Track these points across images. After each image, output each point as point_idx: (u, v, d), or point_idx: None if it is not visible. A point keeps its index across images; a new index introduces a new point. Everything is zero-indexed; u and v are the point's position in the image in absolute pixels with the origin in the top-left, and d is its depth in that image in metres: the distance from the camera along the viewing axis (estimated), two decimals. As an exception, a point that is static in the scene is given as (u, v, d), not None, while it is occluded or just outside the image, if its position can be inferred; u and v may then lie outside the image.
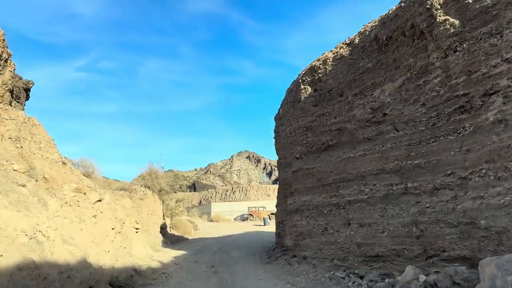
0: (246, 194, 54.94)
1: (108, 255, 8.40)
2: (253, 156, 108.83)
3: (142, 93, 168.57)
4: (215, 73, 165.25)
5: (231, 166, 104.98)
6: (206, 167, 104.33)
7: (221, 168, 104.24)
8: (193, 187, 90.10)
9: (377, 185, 9.49)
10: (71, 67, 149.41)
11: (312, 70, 12.26)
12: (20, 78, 31.89)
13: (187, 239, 26.54)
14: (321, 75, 11.84)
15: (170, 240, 23.58)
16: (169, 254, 15.99)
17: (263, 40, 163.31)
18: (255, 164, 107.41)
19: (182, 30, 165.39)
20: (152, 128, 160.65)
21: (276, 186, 57.94)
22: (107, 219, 9.15)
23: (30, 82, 33.13)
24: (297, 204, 12.39)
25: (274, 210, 41.49)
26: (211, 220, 41.94)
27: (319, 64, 11.92)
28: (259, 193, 53.98)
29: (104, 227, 8.79)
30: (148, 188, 20.78)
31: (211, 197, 58.11)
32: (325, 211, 10.99)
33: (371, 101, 10.00)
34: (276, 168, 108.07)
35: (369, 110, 10.03)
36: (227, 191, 58.97)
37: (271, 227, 32.00)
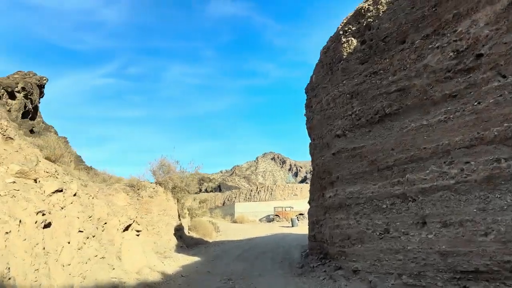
0: (271, 194, 51.83)
1: (66, 271, 5.54)
2: (278, 157, 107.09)
3: (166, 97, 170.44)
4: (238, 75, 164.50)
5: (256, 168, 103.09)
6: (231, 169, 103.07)
7: (246, 170, 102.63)
8: (218, 189, 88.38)
9: (472, 163, 6.20)
10: (98, 74, 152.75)
11: (358, 15, 9.06)
12: (34, 74, 30.02)
13: (206, 242, 23.77)
14: (371, 20, 8.63)
15: (187, 243, 20.88)
16: (179, 262, 13.14)
17: (284, 41, 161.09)
18: (280, 165, 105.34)
19: (205, 34, 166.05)
20: (177, 131, 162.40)
21: (304, 186, 54.52)
22: (72, 218, 6.32)
23: (44, 78, 31.17)
24: (340, 197, 9.20)
25: (302, 210, 38.10)
26: (235, 221, 39.12)
27: (368, 5, 8.72)
28: (286, 193, 50.73)
29: (64, 228, 5.97)
30: (160, 184, 18.11)
31: (235, 197, 55.39)
32: (384, 206, 7.75)
33: (455, 41, 6.72)
34: (301, 169, 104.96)
35: (451, 54, 6.75)
36: (251, 191, 56.06)
37: (300, 228, 28.75)
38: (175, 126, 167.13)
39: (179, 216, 20.29)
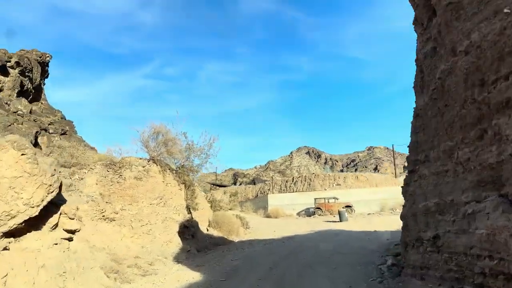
0: (310, 184, 45.37)
1: None
2: (312, 151, 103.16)
3: (202, 95, 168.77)
4: (272, 71, 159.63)
5: (290, 163, 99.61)
6: (265, 164, 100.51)
7: (280, 165, 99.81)
8: (253, 183, 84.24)
9: None
10: (137, 75, 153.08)
11: None
12: (37, 51, 25.49)
13: (230, 242, 18.05)
14: None
15: (201, 245, 15.26)
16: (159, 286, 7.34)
17: (318, 34, 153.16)
18: (315, 160, 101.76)
19: (238, 31, 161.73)
20: (214, 128, 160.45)
21: (347, 174, 47.61)
22: None
23: (47, 55, 26.41)
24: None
25: (350, 201, 31.44)
26: (268, 216, 33.20)
27: None
28: (326, 183, 44.08)
29: None
30: (154, 162, 12.46)
31: (268, 189, 49.47)
32: None
33: None
34: (337, 162, 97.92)
35: None
36: (286, 181, 49.89)
37: (351, 224, 22.25)
38: (212, 123, 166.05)
39: (188, 208, 14.60)
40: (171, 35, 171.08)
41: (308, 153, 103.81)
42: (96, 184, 10.60)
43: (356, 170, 79.82)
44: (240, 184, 79.49)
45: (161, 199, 11.87)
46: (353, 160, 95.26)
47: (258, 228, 24.69)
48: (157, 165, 12.23)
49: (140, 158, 12.05)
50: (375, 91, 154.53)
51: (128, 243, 10.08)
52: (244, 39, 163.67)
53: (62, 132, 21.10)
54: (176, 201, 13.13)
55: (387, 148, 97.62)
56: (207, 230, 19.01)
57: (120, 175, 11.16)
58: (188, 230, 14.90)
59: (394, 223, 19.41)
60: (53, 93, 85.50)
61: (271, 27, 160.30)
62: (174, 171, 13.66)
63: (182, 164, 14.12)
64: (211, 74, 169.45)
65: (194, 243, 15.18)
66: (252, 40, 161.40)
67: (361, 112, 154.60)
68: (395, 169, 47.84)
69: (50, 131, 19.76)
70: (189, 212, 14.82)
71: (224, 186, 65.67)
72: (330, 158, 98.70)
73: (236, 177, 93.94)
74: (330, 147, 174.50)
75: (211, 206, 24.15)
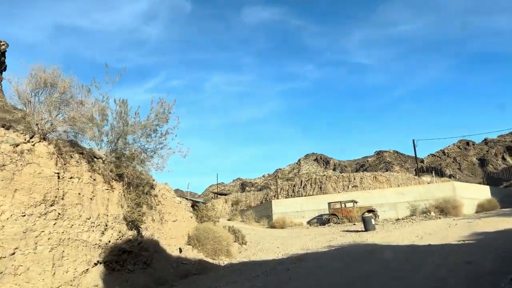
0: (321, 188, 39.50)
1: None
2: (321, 158, 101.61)
3: (208, 107, 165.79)
4: (277, 80, 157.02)
5: (299, 170, 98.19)
6: (273, 173, 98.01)
7: (289, 173, 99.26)
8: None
9: None
10: (143, 89, 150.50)
11: None
12: None
13: (214, 267, 12.58)
14: None
15: (160, 278, 9.74)
16: None
17: (322, 42, 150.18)
18: (324, 166, 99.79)
19: (242, 42, 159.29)
20: (221, 139, 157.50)
21: (364, 174, 41.54)
22: None
23: (2, 43, 21.83)
24: None
25: (371, 205, 25.27)
26: (273, 226, 27.33)
27: None
28: (340, 185, 38.18)
29: None
30: (44, 139, 6.87)
31: (273, 195, 43.65)
32: None
33: None
34: (346, 168, 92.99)
35: None
36: (294, 186, 44.04)
37: (382, 234, 16.00)
38: (219, 134, 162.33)
39: (127, 220, 8.88)
40: (176, 48, 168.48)
41: (316, 160, 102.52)
42: None
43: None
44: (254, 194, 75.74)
45: (52, 205, 6.27)
46: (362, 165, 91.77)
47: (259, 243, 19.01)
48: (48, 143, 6.66)
49: (7, 129, 6.47)
50: (380, 96, 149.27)
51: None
52: (249, 50, 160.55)
53: None
54: (98, 208, 7.54)
55: (397, 152, 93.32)
56: (181, 251, 13.34)
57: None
58: (133, 256, 9.26)
59: (446, 233, 13.60)
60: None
61: (275, 36, 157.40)
62: (94, 159, 8.08)
63: (115, 148, 8.54)
64: (217, 86, 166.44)
65: (146, 276, 9.53)
66: (257, 50, 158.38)
67: (367, 116, 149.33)
68: (417, 166, 41.77)
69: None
70: (134, 227, 9.15)
71: (225, 194, 59.97)
72: (339, 164, 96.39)
73: (244, 187, 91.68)
74: (338, 153, 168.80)
75: (197, 217, 18.53)
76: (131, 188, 9.10)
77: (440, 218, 21.31)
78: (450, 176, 61.45)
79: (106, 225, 8.10)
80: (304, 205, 29.39)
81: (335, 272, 8.36)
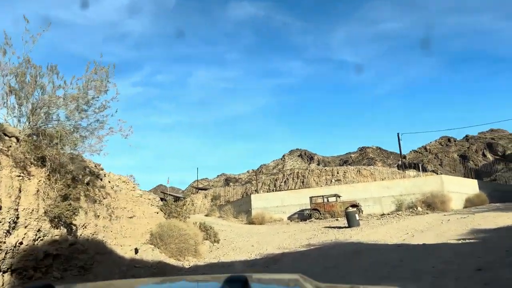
0: (303, 182, 38.02)
1: None
2: (305, 153, 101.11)
3: (194, 102, 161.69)
4: (263, 75, 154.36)
5: (283, 166, 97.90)
6: (258, 169, 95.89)
7: (273, 168, 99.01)
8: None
9: None
10: (128, 83, 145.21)
11: None
12: None
13: (175, 270, 10.76)
14: None
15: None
16: None
17: (308, 38, 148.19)
18: (308, 162, 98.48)
19: (228, 38, 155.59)
20: (207, 135, 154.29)
21: (347, 168, 40.19)
22: None
23: None
24: None
25: (354, 199, 23.11)
26: (252, 222, 25.59)
27: None
28: (323, 179, 36.76)
29: None
30: None
31: (255, 190, 41.96)
32: None
33: None
34: (330, 163, 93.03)
35: None
36: (276, 180, 42.48)
37: (368, 231, 14.30)
38: (205, 130, 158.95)
39: (49, 216, 6.93)
40: (160, 42, 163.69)
41: (300, 155, 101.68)
42: None
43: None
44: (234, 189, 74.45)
45: None
46: (345, 161, 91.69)
47: (233, 241, 17.26)
48: None
49: None
50: (364, 93, 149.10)
51: None
52: (235, 45, 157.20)
53: None
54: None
55: (380, 148, 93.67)
56: (136, 252, 11.44)
57: None
58: (63, 261, 7.33)
59: (440, 230, 12.09)
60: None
61: (261, 32, 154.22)
62: (5, 136, 6.10)
63: (34, 124, 6.58)
64: (203, 81, 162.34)
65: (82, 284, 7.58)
66: (243, 45, 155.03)
67: (351, 113, 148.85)
68: (401, 160, 40.77)
69: None
70: (63, 225, 7.20)
71: (205, 189, 57.93)
72: (323, 160, 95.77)
73: (228, 182, 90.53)
74: (322, 149, 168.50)
75: (165, 213, 16.64)
76: (57, 175, 7.12)
77: (427, 213, 19.99)
78: (432, 172, 61.16)
79: (15, 222, 6.15)
80: (285, 200, 27.75)
81: (310, 270, 6.67)
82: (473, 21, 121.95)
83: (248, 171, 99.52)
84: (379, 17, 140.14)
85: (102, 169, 10.65)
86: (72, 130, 7.36)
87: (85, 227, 8.65)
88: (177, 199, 50.39)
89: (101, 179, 10.15)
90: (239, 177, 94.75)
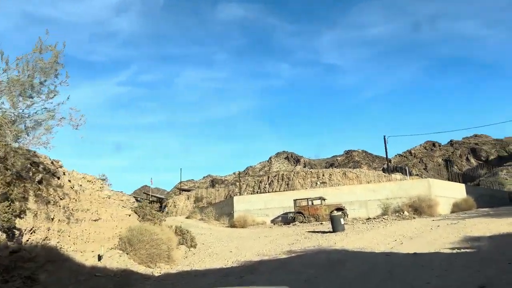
0: (288, 184, 37.21)
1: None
2: (291, 156, 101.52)
3: (181, 102, 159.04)
4: (252, 77, 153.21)
5: (269, 168, 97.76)
6: (244, 170, 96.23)
7: (259, 170, 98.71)
8: (230, 190, 78.55)
9: None
10: (113, 82, 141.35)
11: None
12: None
13: (140, 280, 9.68)
14: None
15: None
16: None
17: (296, 41, 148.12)
18: (295, 164, 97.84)
19: (217, 38, 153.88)
20: (194, 136, 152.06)
21: (334, 170, 39.54)
22: None
23: None
24: None
25: (340, 203, 21.59)
26: (233, 225, 24.56)
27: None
28: (308, 182, 36.02)
29: None
30: None
31: (238, 192, 40.95)
32: None
33: None
34: (316, 166, 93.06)
35: None
36: (261, 182, 41.57)
37: (353, 237, 12.97)
38: (192, 131, 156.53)
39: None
40: (148, 42, 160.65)
41: (287, 158, 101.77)
42: None
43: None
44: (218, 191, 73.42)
45: None
46: (331, 164, 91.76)
47: (211, 246, 16.26)
48: None
49: None
50: (351, 97, 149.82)
51: None
52: (223, 46, 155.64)
53: None
54: None
55: (365, 151, 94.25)
56: (100, 258, 10.34)
57: None
58: (2, 271, 6.23)
59: (430, 236, 11.33)
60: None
61: (250, 34, 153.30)
62: None
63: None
64: (191, 81, 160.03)
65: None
66: (231, 46, 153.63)
67: (338, 116, 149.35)
68: (387, 163, 40.39)
69: None
70: (3, 229, 6.10)
71: (189, 190, 56.59)
72: (309, 162, 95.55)
73: (214, 184, 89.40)
74: (309, 152, 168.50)
75: (139, 215, 15.57)
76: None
77: (414, 218, 19.35)
78: (417, 176, 61.26)
79: None
80: (268, 202, 26.83)
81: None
82: (459, 27, 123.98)
83: (234, 173, 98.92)
84: (367, 22, 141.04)
85: (61, 167, 9.53)
86: (14, 119, 6.28)
87: (34, 232, 7.55)
88: (159, 200, 48.92)
89: (58, 178, 9.03)
90: (225, 178, 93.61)
